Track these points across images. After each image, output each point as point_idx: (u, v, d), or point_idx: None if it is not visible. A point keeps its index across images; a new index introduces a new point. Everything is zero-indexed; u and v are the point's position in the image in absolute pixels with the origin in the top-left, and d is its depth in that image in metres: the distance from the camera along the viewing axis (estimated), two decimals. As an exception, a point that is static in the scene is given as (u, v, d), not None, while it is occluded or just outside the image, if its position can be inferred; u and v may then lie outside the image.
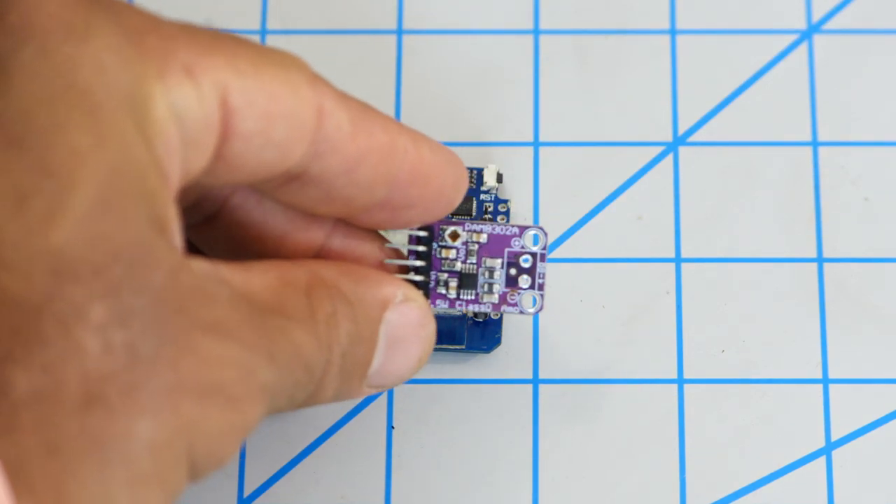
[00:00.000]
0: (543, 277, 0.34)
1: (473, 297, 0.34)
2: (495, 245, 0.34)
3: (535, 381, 0.36)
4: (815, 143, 0.39)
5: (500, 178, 0.37)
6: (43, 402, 0.23)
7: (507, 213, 0.37)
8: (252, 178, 0.27)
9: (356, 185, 0.29)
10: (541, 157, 0.39)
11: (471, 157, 0.39)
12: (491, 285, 0.34)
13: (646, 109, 0.40)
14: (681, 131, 0.39)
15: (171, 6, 0.41)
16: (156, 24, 0.25)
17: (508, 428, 0.36)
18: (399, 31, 0.41)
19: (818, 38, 0.41)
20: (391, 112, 0.41)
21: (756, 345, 0.36)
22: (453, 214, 0.39)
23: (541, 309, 0.34)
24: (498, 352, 0.37)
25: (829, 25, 0.41)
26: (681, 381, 0.36)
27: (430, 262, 0.34)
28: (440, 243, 0.34)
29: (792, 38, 0.41)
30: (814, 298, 0.37)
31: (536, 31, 0.41)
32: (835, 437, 0.35)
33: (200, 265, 0.26)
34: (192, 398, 0.25)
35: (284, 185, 0.28)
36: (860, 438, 0.35)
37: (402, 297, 0.31)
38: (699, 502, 0.35)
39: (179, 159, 0.26)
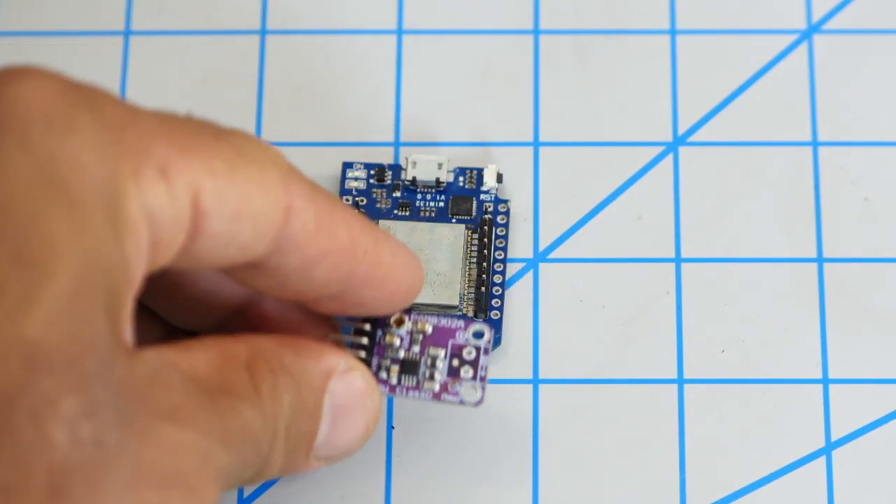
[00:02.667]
0: (486, 370, 0.34)
1: (414, 385, 0.34)
2: (440, 336, 0.35)
3: (536, 381, 0.36)
4: (815, 143, 0.39)
5: (500, 178, 0.38)
6: (10, 494, 0.23)
7: (507, 213, 0.37)
8: (209, 266, 0.28)
9: (310, 281, 0.29)
10: (541, 157, 0.39)
11: (471, 157, 0.40)
12: (433, 373, 0.34)
13: (646, 109, 0.40)
14: (681, 131, 0.39)
15: (170, 6, 0.42)
16: (135, 119, 0.26)
17: (508, 428, 0.36)
18: (399, 31, 0.41)
19: (818, 38, 0.41)
20: (392, 114, 0.41)
21: (756, 345, 0.36)
22: (453, 215, 0.39)
23: (481, 401, 0.34)
24: (498, 352, 0.37)
25: (829, 25, 0.42)
26: (681, 381, 0.36)
27: (374, 348, 0.34)
28: (384, 329, 0.35)
29: (792, 38, 0.42)
30: (814, 298, 0.37)
31: (536, 31, 0.41)
32: (835, 437, 0.35)
33: (150, 354, 0.26)
34: (155, 489, 0.25)
35: (239, 270, 0.29)
36: (860, 438, 0.35)
37: (346, 366, 0.31)
38: (699, 502, 0.35)
39: (146, 257, 0.26)
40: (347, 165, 0.39)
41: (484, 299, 0.37)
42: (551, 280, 0.38)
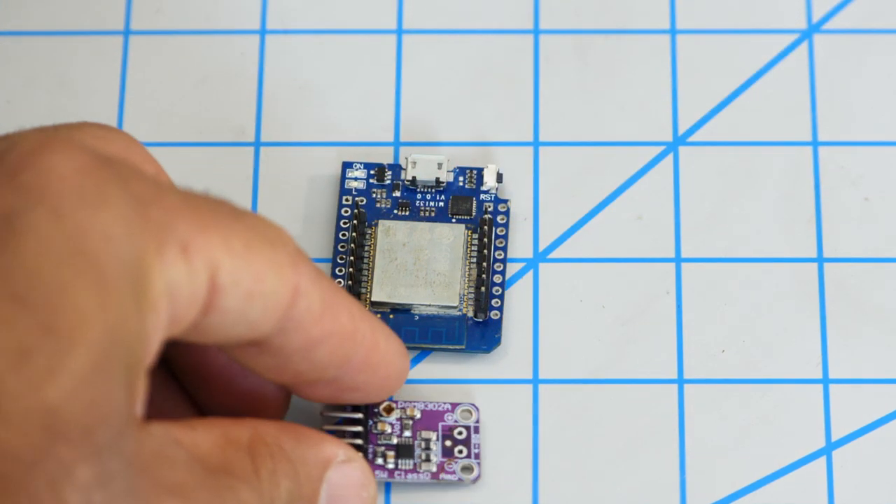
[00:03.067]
0: (479, 447, 0.35)
1: (412, 468, 0.35)
2: (429, 420, 0.35)
3: (536, 381, 0.36)
4: (815, 143, 0.40)
5: (499, 178, 0.37)
6: None
7: (506, 213, 0.37)
8: (216, 342, 0.29)
9: (311, 363, 0.30)
10: (541, 157, 0.39)
11: (471, 157, 0.40)
12: (428, 455, 0.35)
13: (646, 109, 0.40)
14: (681, 131, 0.39)
15: (170, 6, 0.42)
16: (160, 195, 0.27)
17: (508, 428, 0.36)
18: (399, 31, 0.41)
19: (818, 38, 0.42)
20: (392, 114, 0.41)
21: (756, 345, 0.37)
22: (453, 215, 0.40)
23: (478, 477, 0.35)
24: (498, 352, 0.37)
25: (829, 25, 0.42)
26: (681, 381, 0.36)
27: (367, 437, 0.35)
28: (374, 419, 0.35)
29: (792, 37, 0.42)
30: (814, 298, 0.38)
31: (536, 31, 0.41)
32: (835, 437, 0.35)
33: (158, 429, 0.27)
34: None
35: (242, 348, 0.30)
36: (860, 438, 0.35)
37: (344, 457, 0.32)
38: (700, 502, 0.35)
39: (163, 332, 0.27)
40: (347, 165, 0.39)
41: (484, 299, 0.36)
42: (551, 280, 0.38)
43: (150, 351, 0.26)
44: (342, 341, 0.30)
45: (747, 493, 0.35)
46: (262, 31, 0.41)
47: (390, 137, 0.40)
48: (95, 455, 0.24)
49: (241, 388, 0.33)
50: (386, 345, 0.32)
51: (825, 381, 0.36)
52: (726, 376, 0.36)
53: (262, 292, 0.28)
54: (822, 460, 0.35)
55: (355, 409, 0.34)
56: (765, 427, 0.35)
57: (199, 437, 0.29)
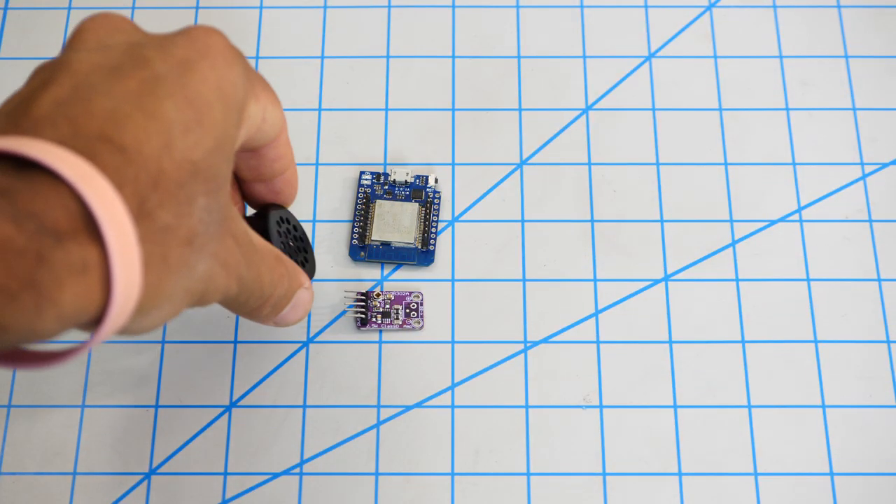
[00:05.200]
0: (423, 312, 0.42)
1: (390, 322, 0.43)
2: (398, 300, 0.44)
3: (453, 280, 0.47)
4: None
5: (436, 181, 0.48)
6: (168, 233, 0.28)
7: (439, 198, 0.48)
8: (251, 146, 0.35)
9: (270, 168, 0.37)
10: (456, 171, 0.50)
11: (422, 170, 0.50)
12: (398, 316, 0.44)
13: (503, 137, 0.50)
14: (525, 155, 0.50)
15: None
16: (250, 68, 0.32)
17: (438, 303, 0.46)
18: (386, 109, 0.50)
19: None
20: (382, 146, 0.50)
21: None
22: (413, 199, 0.47)
23: (423, 326, 0.43)
24: (433, 266, 0.47)
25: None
26: (524, 281, 0.47)
27: (367, 308, 0.43)
28: (371, 299, 0.44)
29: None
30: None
31: (453, 110, 0.51)
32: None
33: (232, 203, 0.32)
34: (219, 267, 0.31)
35: (247, 152, 0.36)
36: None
37: (307, 286, 0.39)
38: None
39: (244, 136, 0.33)
40: (362, 172, 0.48)
41: (426, 240, 0.47)
42: (461, 231, 0.49)
43: (237, 145, 0.31)
44: (288, 159, 0.37)
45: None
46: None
47: (381, 159, 0.50)
48: (208, 193, 0.29)
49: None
50: (296, 175, 0.39)
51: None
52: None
53: (275, 124, 0.34)
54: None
55: (360, 293, 0.44)
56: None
57: (250, 229, 0.34)
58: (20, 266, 0.24)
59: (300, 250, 0.40)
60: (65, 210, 0.26)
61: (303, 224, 0.48)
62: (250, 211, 0.40)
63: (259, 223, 0.38)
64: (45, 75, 0.29)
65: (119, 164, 0.27)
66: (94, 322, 0.27)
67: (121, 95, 0.28)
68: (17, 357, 0.29)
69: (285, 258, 0.37)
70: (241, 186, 0.38)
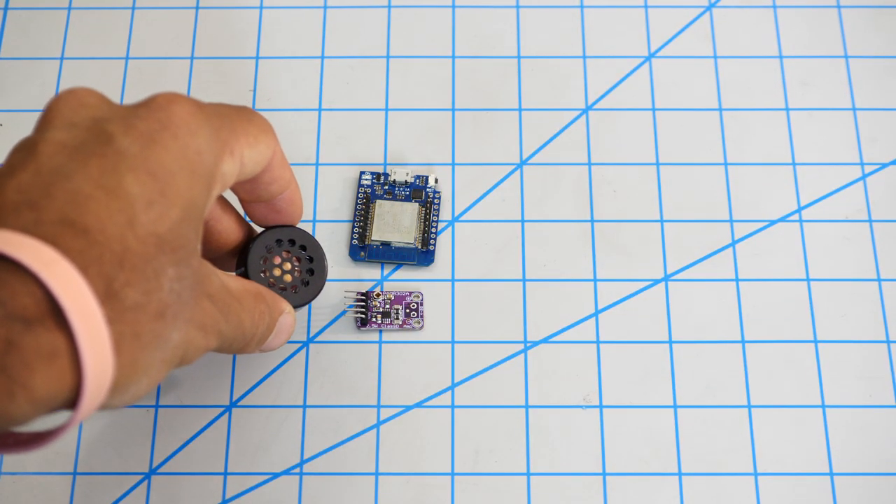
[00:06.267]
0: (423, 312, 0.42)
1: (390, 322, 0.43)
2: (398, 300, 0.43)
3: (453, 280, 0.47)
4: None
5: (436, 181, 0.48)
6: (138, 310, 0.28)
7: (439, 198, 0.48)
8: (238, 180, 0.35)
9: (267, 190, 0.37)
10: (456, 170, 0.50)
11: (422, 169, 0.49)
12: (398, 316, 0.43)
13: (504, 137, 0.50)
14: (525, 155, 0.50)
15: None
16: (221, 121, 0.32)
17: (438, 303, 0.46)
18: (386, 110, 0.50)
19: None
20: (382, 147, 0.49)
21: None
22: (413, 199, 0.46)
23: (423, 326, 0.43)
24: (432, 266, 0.47)
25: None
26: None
27: (368, 308, 0.43)
28: (371, 299, 0.43)
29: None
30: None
31: (453, 110, 0.50)
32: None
33: (205, 262, 0.33)
34: (195, 331, 0.32)
35: (243, 182, 0.36)
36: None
37: (288, 311, 0.39)
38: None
39: (216, 194, 0.33)
40: (362, 172, 0.48)
41: (426, 240, 0.47)
42: (460, 231, 0.48)
43: (208, 209, 0.32)
44: (286, 180, 0.37)
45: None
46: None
47: (381, 159, 0.50)
48: (177, 263, 0.29)
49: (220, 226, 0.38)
50: (298, 193, 0.39)
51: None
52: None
53: (260, 159, 0.35)
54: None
55: (360, 293, 0.44)
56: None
57: (227, 278, 0.35)
58: None
59: (305, 271, 0.41)
60: (31, 297, 0.26)
61: (303, 224, 0.48)
62: (259, 228, 0.41)
63: (242, 256, 0.39)
64: (14, 160, 0.29)
65: (82, 247, 0.27)
66: (69, 403, 0.27)
67: (82, 176, 0.28)
68: None
69: (265, 292, 0.37)
70: (244, 206, 0.39)
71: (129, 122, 0.30)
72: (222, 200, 0.38)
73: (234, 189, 0.37)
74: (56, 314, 0.26)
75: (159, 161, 0.29)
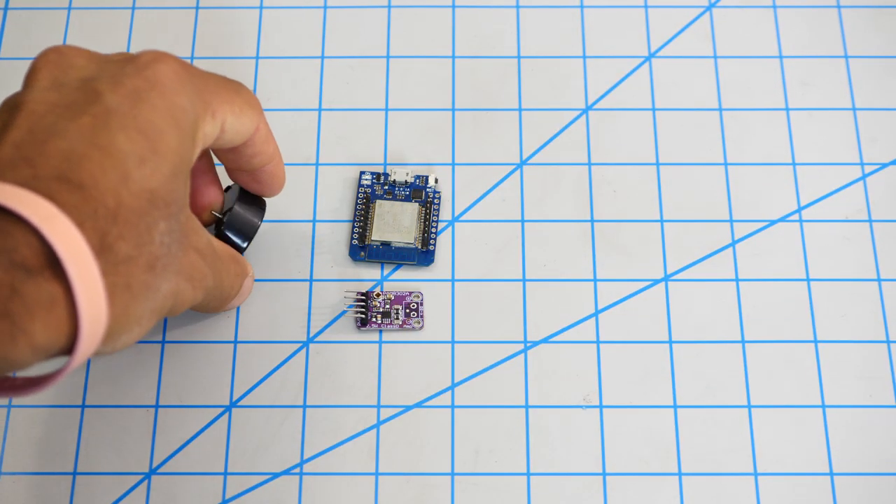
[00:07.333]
0: (423, 312, 0.43)
1: (390, 322, 0.44)
2: (398, 300, 0.44)
3: (453, 280, 0.47)
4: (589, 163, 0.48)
5: (436, 181, 0.48)
6: (130, 263, 0.30)
7: (439, 198, 0.48)
8: (217, 147, 0.37)
9: (250, 161, 0.39)
10: (456, 170, 0.50)
11: (422, 169, 0.50)
12: (398, 316, 0.44)
13: (504, 137, 0.50)
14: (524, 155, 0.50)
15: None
16: (205, 84, 0.34)
17: (438, 303, 0.46)
18: (386, 109, 0.51)
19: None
20: (381, 146, 0.50)
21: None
22: (413, 199, 0.47)
23: (423, 326, 0.44)
24: (432, 266, 0.47)
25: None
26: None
27: (367, 308, 0.44)
28: (371, 299, 0.44)
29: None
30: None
31: (453, 110, 0.51)
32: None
33: (193, 216, 0.34)
34: (184, 283, 0.33)
35: (224, 150, 0.38)
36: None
37: (251, 273, 0.43)
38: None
39: (198, 154, 0.34)
40: (362, 172, 0.49)
41: (426, 240, 0.47)
42: (460, 231, 0.49)
43: (193, 164, 0.34)
44: (268, 155, 0.39)
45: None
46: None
47: (380, 159, 0.50)
48: (168, 217, 0.31)
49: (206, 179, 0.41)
50: (281, 167, 0.40)
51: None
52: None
53: (242, 129, 0.36)
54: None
55: (360, 293, 0.45)
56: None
57: (210, 237, 0.37)
58: None
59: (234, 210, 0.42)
60: (31, 248, 0.27)
61: (303, 224, 0.48)
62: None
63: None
64: (4, 117, 0.30)
65: (78, 202, 0.28)
66: (65, 350, 0.28)
67: (75, 134, 0.29)
68: None
69: (238, 256, 0.40)
70: (228, 173, 0.40)
71: (118, 81, 0.31)
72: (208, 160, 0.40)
73: (218, 156, 0.39)
74: (54, 266, 0.27)
75: (148, 119, 0.31)
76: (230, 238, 0.42)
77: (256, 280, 0.46)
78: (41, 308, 0.27)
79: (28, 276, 0.27)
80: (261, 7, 0.52)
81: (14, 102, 0.31)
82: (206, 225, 0.42)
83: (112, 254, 0.29)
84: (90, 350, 0.29)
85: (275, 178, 0.40)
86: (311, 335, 0.46)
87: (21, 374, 0.30)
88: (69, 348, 0.28)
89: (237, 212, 0.41)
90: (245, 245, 0.42)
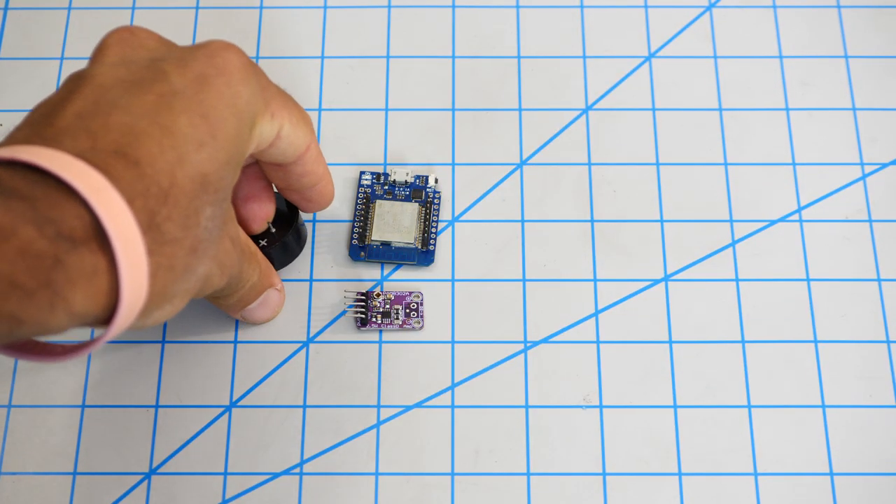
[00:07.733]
0: (423, 312, 0.43)
1: (390, 322, 0.44)
2: (398, 300, 0.44)
3: (453, 280, 0.47)
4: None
5: (436, 181, 0.49)
6: (175, 244, 0.30)
7: (439, 198, 0.48)
8: (266, 160, 0.37)
9: (299, 181, 0.39)
10: (456, 170, 0.50)
11: (422, 169, 0.50)
12: (398, 316, 0.44)
13: (503, 138, 0.50)
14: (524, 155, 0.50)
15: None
16: (268, 85, 0.35)
17: (438, 303, 0.47)
18: (386, 109, 0.51)
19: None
20: (381, 146, 0.50)
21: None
22: (413, 199, 0.47)
23: (423, 326, 0.44)
24: (432, 266, 0.47)
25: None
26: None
27: (367, 308, 0.44)
28: (371, 299, 0.44)
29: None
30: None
31: (453, 110, 0.51)
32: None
33: (231, 205, 0.34)
34: (216, 268, 0.34)
35: (274, 166, 0.38)
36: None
37: (279, 286, 0.43)
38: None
39: (252, 150, 0.35)
40: (362, 172, 0.49)
41: (426, 240, 0.47)
42: (460, 231, 0.49)
43: (246, 158, 0.34)
44: (317, 175, 0.40)
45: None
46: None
47: (380, 159, 0.50)
48: (214, 203, 0.32)
49: (256, 188, 0.41)
50: (330, 185, 0.41)
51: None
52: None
53: (297, 141, 0.36)
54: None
55: (360, 293, 0.45)
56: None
57: (242, 231, 0.38)
58: (39, 267, 0.26)
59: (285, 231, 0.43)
60: (79, 219, 0.27)
61: (303, 224, 0.48)
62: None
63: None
64: (71, 86, 0.30)
65: (132, 178, 0.28)
66: (101, 321, 0.29)
67: (138, 111, 0.29)
68: (32, 349, 0.31)
69: (260, 257, 0.40)
70: (278, 190, 0.41)
71: (186, 64, 0.31)
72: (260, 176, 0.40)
73: (268, 173, 0.39)
74: (100, 238, 0.27)
75: (211, 105, 0.31)
76: (271, 255, 0.43)
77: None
78: (83, 278, 0.27)
79: (73, 246, 0.27)
80: (261, 7, 0.53)
81: (81, 74, 0.31)
82: (255, 234, 0.42)
83: (159, 233, 0.29)
84: (126, 323, 0.29)
85: (323, 197, 0.41)
86: (311, 335, 0.46)
87: (55, 340, 0.31)
88: (105, 319, 0.29)
89: (289, 241, 0.43)
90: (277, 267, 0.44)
